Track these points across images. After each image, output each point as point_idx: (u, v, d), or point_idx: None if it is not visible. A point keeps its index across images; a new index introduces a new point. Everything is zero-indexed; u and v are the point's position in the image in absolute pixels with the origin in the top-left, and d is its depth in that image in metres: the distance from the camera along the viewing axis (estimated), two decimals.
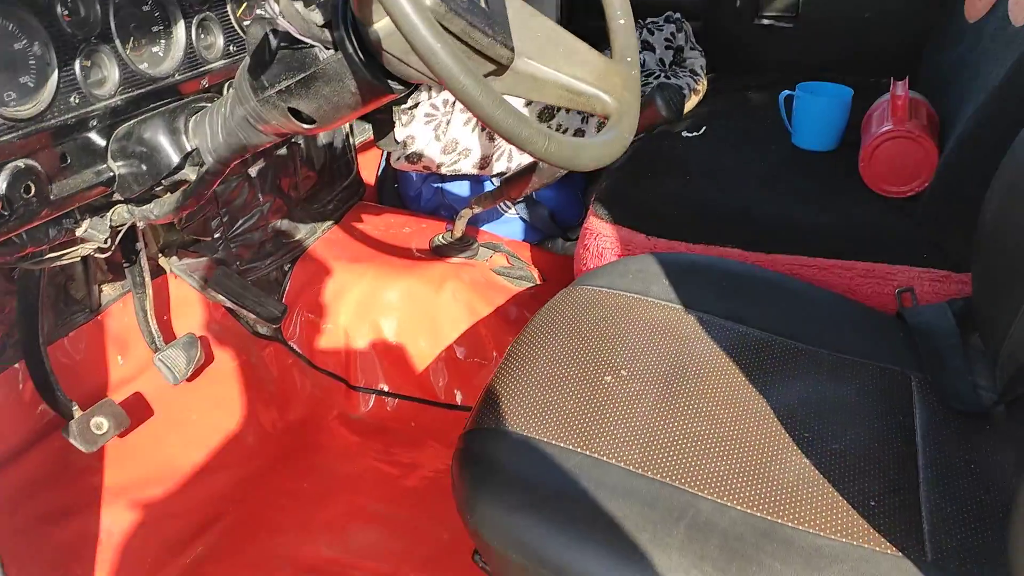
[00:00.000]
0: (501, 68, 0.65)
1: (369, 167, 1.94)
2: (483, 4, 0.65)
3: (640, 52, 1.80)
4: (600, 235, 1.33)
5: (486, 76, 0.65)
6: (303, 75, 0.66)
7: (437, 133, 1.64)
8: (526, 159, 1.65)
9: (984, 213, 0.96)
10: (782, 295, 1.08)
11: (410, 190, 1.86)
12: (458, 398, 1.44)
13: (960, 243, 1.12)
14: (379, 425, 1.44)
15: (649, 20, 1.89)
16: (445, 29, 0.57)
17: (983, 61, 1.26)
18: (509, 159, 1.68)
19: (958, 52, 1.52)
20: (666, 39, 1.83)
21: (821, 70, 1.98)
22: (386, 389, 1.47)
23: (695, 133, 1.58)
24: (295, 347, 1.50)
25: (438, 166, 1.67)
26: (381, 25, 0.60)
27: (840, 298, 1.09)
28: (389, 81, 0.65)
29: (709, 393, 0.87)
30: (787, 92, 1.47)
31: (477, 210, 1.51)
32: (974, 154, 1.09)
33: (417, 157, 1.67)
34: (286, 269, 1.57)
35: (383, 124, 0.87)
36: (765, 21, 2.03)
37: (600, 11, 0.80)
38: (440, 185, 1.80)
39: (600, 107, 0.74)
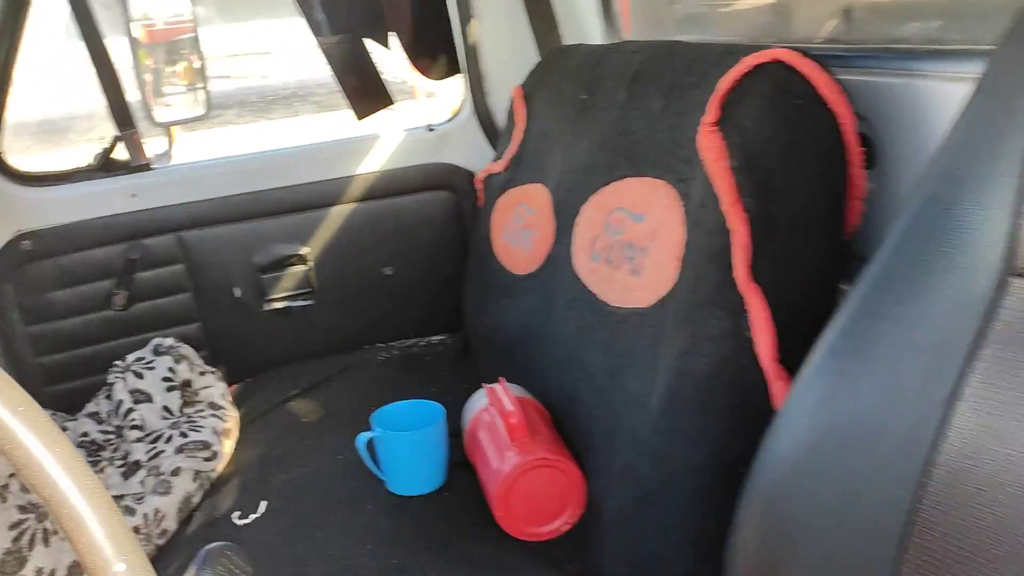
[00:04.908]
0: None
1: None
2: None
3: (133, 411, 1.27)
4: None
5: None
6: None
7: None
8: None
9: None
10: None
11: None
12: None
13: None
14: None
15: (134, 359, 1.37)
16: None
17: (578, 340, 1.06)
18: None
19: (517, 310, 1.34)
20: (164, 378, 1.33)
21: (361, 343, 1.69)
22: None
23: (253, 515, 1.10)
24: None
25: None
26: None
27: None
28: None
29: None
30: (366, 435, 1.09)
31: None
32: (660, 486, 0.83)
33: None
34: None
35: None
36: (278, 304, 1.67)
37: None
38: None
39: None
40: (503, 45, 1.65)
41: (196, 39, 1.69)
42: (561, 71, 1.42)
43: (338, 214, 1.67)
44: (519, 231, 1.41)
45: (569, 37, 1.64)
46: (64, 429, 1.28)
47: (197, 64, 1.72)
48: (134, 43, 1.61)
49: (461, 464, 1.14)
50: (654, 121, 1.01)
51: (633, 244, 0.97)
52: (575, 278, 1.11)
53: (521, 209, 1.43)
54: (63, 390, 1.56)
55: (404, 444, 1.07)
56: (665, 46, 1.09)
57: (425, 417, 1.12)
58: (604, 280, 1.03)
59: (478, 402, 1.14)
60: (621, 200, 1.04)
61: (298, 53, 11.36)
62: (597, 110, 1.20)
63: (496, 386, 1.10)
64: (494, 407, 1.07)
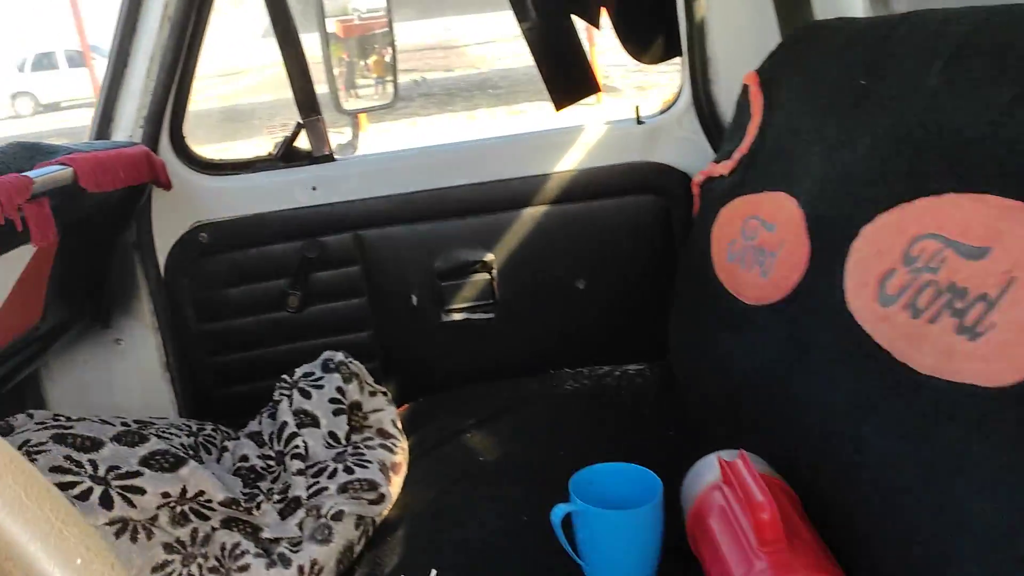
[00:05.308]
0: None
1: None
2: None
3: (296, 436, 1.12)
4: None
5: None
6: None
7: None
8: None
9: None
10: None
11: None
12: None
13: None
14: None
15: (302, 374, 1.22)
16: None
17: (850, 409, 0.78)
18: None
19: (746, 350, 1.07)
20: (332, 399, 1.17)
21: (546, 367, 1.47)
22: None
23: None
24: None
25: None
26: None
27: None
28: None
29: None
30: (564, 508, 0.86)
31: None
32: None
33: None
34: None
35: None
36: (456, 316, 1.49)
37: None
38: None
39: None
40: (737, 22, 1.37)
41: (390, 33, 1.57)
42: (819, 51, 1.13)
43: (528, 217, 1.47)
44: (751, 250, 1.13)
45: (822, 11, 1.33)
46: (224, 450, 1.16)
47: (388, 58, 1.60)
48: (327, 37, 1.50)
49: (678, 550, 0.89)
50: (997, 115, 0.71)
51: (965, 290, 0.68)
52: (851, 323, 0.83)
53: (754, 223, 1.16)
54: (229, 394, 1.47)
55: (611, 524, 0.83)
56: (1008, 11, 0.78)
57: (636, 487, 0.88)
58: (906, 334, 0.74)
59: (706, 474, 0.89)
60: (936, 223, 0.74)
61: (479, 49, 11.52)
62: (886, 100, 0.90)
63: (736, 460, 0.84)
64: (733, 489, 0.81)
